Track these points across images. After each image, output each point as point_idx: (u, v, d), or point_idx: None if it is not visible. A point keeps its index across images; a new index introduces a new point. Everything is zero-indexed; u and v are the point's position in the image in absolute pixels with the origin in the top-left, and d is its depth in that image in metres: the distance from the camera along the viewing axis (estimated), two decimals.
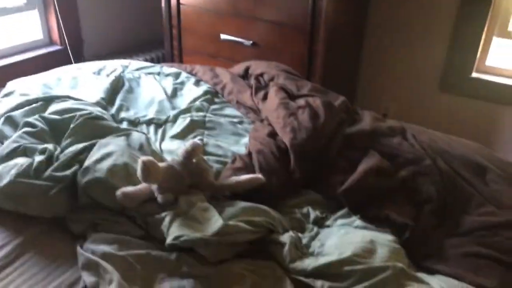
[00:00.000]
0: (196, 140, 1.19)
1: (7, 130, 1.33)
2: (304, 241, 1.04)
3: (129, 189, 1.05)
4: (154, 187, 1.08)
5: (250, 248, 1.01)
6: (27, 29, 2.55)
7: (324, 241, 1.03)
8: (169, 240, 0.97)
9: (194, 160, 1.13)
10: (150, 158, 1.05)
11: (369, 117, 1.44)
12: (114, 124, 1.34)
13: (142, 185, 1.07)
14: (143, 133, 1.35)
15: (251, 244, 1.01)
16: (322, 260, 0.97)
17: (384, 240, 1.04)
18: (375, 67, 2.60)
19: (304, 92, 1.50)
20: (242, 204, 1.07)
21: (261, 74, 1.70)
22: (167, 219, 1.01)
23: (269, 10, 2.27)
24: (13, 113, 1.39)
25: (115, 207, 1.07)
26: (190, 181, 1.11)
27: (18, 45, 2.48)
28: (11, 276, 0.95)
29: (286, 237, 1.00)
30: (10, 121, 1.36)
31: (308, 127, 1.27)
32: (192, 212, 1.02)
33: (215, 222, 0.97)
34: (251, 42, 2.37)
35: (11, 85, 1.66)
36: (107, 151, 1.14)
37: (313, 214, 1.12)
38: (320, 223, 1.11)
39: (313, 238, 1.06)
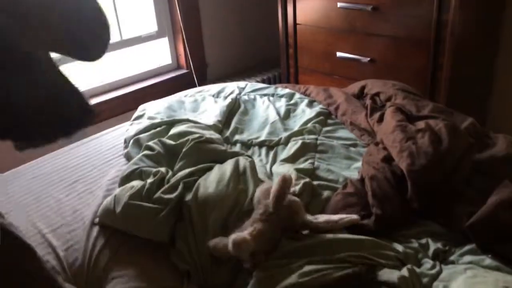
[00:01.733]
0: (286, 173, 1.12)
1: (134, 152, 1.45)
2: (424, 280, 0.94)
3: (218, 242, 1.03)
4: (244, 255, 0.99)
5: None
6: (158, 55, 2.79)
7: (448, 283, 0.91)
8: None
9: (286, 201, 1.06)
10: (238, 236, 0.97)
11: (504, 141, 1.26)
12: (223, 148, 1.37)
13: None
14: (249, 157, 1.35)
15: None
16: None
17: None
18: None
19: (425, 113, 1.39)
20: (338, 237, 1.00)
21: (377, 94, 1.61)
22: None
23: (387, 25, 2.16)
24: (140, 136, 1.51)
25: None
26: (283, 229, 1.05)
27: (150, 70, 2.73)
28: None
29: (395, 276, 0.90)
30: (137, 144, 1.48)
31: (429, 152, 1.16)
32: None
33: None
34: (368, 59, 2.29)
35: (141, 108, 1.82)
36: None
37: (434, 246, 1.00)
38: (442, 257, 0.99)
39: (434, 278, 0.95)
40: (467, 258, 0.97)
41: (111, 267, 1.08)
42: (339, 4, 2.31)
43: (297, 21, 2.56)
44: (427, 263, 0.98)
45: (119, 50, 2.55)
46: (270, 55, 2.99)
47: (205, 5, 2.78)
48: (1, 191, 1.42)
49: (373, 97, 1.62)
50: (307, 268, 0.91)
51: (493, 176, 1.14)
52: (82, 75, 2.51)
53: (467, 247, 1.00)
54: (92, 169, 1.49)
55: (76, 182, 1.43)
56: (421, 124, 1.29)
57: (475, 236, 0.99)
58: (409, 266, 0.95)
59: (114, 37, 2.53)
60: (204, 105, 1.79)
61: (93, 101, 2.42)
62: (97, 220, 1.20)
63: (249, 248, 0.95)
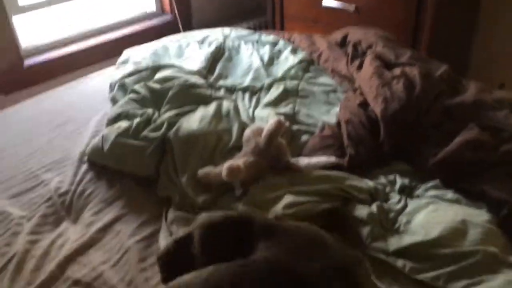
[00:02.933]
0: (281, 118, 1.19)
1: (119, 95, 1.49)
2: (391, 215, 1.02)
3: (210, 171, 1.12)
4: (236, 182, 1.10)
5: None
6: (142, 1, 2.75)
7: (411, 217, 1.00)
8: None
9: (275, 142, 1.15)
10: (233, 164, 1.08)
11: (474, 88, 1.33)
12: (208, 92, 1.42)
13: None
14: (233, 100, 1.41)
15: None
16: (407, 240, 0.94)
17: (477, 220, 0.98)
18: (493, 32, 2.35)
19: (403, 60, 1.43)
20: (316, 173, 1.08)
21: (359, 42, 1.65)
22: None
23: None
24: (126, 80, 1.55)
25: None
26: (269, 166, 1.14)
27: (134, 16, 2.69)
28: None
29: (365, 212, 0.98)
30: (123, 88, 1.52)
31: (402, 98, 1.22)
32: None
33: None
34: (353, 7, 2.30)
35: (126, 53, 1.84)
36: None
37: (401, 181, 1.09)
38: (408, 192, 1.08)
39: (399, 212, 1.03)
40: (431, 192, 1.06)
41: (93, 197, 1.17)
42: None
43: None
44: (394, 198, 1.06)
45: None
46: (257, 2, 2.97)
47: None
48: None
49: (354, 45, 1.66)
50: (290, 199, 0.99)
51: (461, 121, 1.21)
52: (66, 20, 2.48)
53: (431, 183, 1.09)
54: (79, 112, 1.53)
55: (64, 124, 1.47)
56: (397, 71, 1.34)
57: (440, 172, 1.08)
58: (378, 203, 1.03)
59: None
60: (188, 51, 1.80)
61: (76, 47, 2.41)
62: (85, 158, 1.26)
63: (241, 175, 1.05)
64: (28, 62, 2.28)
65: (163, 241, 1.01)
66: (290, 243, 0.79)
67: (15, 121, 1.53)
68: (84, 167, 1.26)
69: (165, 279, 0.85)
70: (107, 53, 2.45)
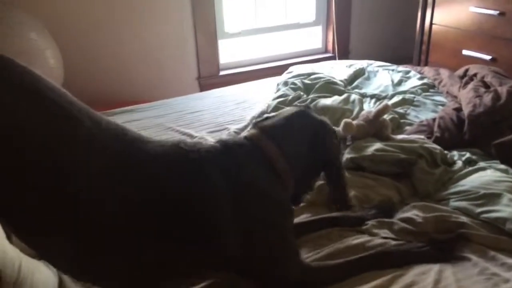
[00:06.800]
0: (387, 102, 1.69)
1: (282, 87, 2.14)
2: (451, 175, 1.40)
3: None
4: (348, 136, 1.59)
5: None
6: (312, 40, 3.48)
7: (466, 176, 1.38)
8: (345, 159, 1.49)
9: (381, 118, 1.62)
10: (348, 120, 1.57)
11: None
12: (342, 88, 1.98)
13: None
14: (359, 94, 1.94)
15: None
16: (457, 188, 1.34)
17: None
18: None
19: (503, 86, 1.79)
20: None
21: (475, 74, 2.03)
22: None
23: (510, 29, 2.50)
24: (288, 79, 2.20)
25: None
26: (373, 133, 1.60)
27: (303, 50, 3.43)
28: None
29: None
30: (286, 83, 2.17)
31: (487, 105, 1.60)
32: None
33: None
34: (490, 57, 2.63)
35: (291, 68, 2.52)
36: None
37: (469, 156, 1.47)
38: (472, 163, 1.45)
39: (458, 172, 1.41)
40: (488, 164, 1.42)
41: None
42: (470, 8, 2.71)
43: (433, 21, 2.99)
44: (459, 164, 1.45)
45: (281, 32, 3.31)
46: (405, 53, 3.45)
47: (357, 2, 3.38)
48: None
49: (471, 77, 2.05)
50: (379, 146, 1.47)
51: None
52: (252, 49, 3.32)
53: (493, 161, 1.45)
54: (252, 98, 2.23)
55: (242, 102, 2.18)
56: (491, 89, 1.72)
57: (497, 151, 1.43)
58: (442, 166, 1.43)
59: (279, 21, 3.30)
60: (336, 70, 2.40)
61: (258, 67, 3.22)
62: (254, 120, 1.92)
63: (352, 130, 1.55)
64: (222, 73, 3.16)
65: None
66: None
67: (211, 97, 2.30)
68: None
69: None
70: (279, 73, 3.20)
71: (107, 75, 2.81)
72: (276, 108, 1.83)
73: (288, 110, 1.14)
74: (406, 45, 3.44)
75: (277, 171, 1.01)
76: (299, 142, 1.06)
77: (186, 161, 0.94)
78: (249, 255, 0.96)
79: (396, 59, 3.48)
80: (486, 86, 1.83)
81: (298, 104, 1.83)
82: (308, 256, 1.14)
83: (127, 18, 2.77)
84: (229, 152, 1.00)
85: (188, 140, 1.11)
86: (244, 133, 1.08)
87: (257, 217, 0.97)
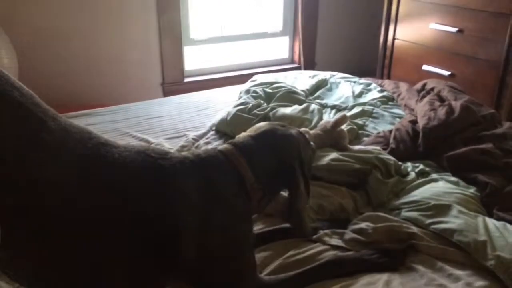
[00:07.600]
0: (345, 113, 1.70)
1: (244, 95, 2.13)
2: (404, 185, 1.42)
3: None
4: None
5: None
6: (279, 50, 3.50)
7: (417, 187, 1.40)
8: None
9: (339, 128, 1.63)
10: (305, 129, 1.58)
11: (508, 125, 1.68)
12: (303, 98, 1.99)
13: None
14: (319, 105, 1.95)
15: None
16: (408, 198, 1.36)
17: (461, 191, 1.35)
18: None
19: (457, 100, 1.84)
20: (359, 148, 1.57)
21: (432, 88, 2.09)
22: None
23: (468, 46, 2.59)
24: (250, 88, 2.20)
25: None
26: (330, 143, 1.60)
27: (269, 60, 3.44)
28: None
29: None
30: (248, 91, 2.16)
31: (441, 118, 1.64)
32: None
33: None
34: (449, 73, 2.72)
35: (255, 77, 2.51)
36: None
37: (422, 167, 1.50)
38: (424, 175, 1.48)
39: (410, 183, 1.43)
40: (440, 175, 1.45)
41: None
42: (430, 25, 2.79)
43: (396, 36, 3.07)
44: (412, 176, 1.48)
45: (248, 41, 3.31)
46: (369, 67, 3.52)
47: (323, 14, 3.43)
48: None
49: (428, 91, 2.10)
50: (335, 156, 1.48)
51: (486, 142, 1.57)
52: (217, 57, 3.31)
53: (445, 173, 1.48)
54: (215, 104, 2.21)
55: (204, 109, 2.15)
56: (445, 103, 1.76)
57: (449, 163, 1.46)
58: (395, 176, 1.45)
59: (246, 30, 3.30)
60: (300, 80, 2.41)
61: (221, 75, 3.20)
62: (213, 127, 1.90)
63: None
64: (187, 79, 3.13)
65: None
66: None
67: (173, 103, 2.27)
68: (211, 132, 1.89)
69: None
70: (245, 81, 3.20)
71: (66, 76, 2.73)
72: (235, 116, 1.82)
73: (261, 125, 1.18)
74: (370, 58, 3.51)
75: (246, 186, 1.04)
76: (269, 158, 1.09)
77: (155, 169, 0.94)
78: (207, 268, 0.97)
79: (360, 72, 3.56)
80: (442, 100, 1.87)
81: (258, 113, 1.83)
82: (260, 270, 1.12)
83: (89, 19, 2.71)
84: (202, 164, 1.01)
85: (157, 147, 1.10)
86: (220, 147, 1.10)
87: (220, 231, 0.98)
